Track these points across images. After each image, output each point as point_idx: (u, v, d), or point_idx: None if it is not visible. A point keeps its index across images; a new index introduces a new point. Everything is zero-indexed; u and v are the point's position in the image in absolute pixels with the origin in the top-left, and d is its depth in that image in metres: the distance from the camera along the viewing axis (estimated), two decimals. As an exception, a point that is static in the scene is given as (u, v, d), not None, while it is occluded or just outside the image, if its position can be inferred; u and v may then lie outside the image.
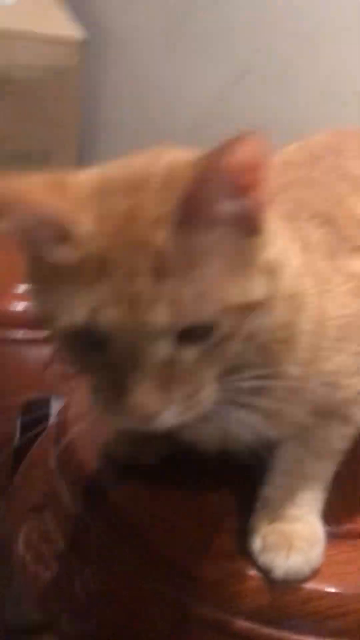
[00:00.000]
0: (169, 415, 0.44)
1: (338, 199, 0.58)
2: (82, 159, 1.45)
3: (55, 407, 0.86)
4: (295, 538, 0.53)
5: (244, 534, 0.55)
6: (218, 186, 0.42)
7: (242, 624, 0.52)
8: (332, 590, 0.53)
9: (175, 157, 0.46)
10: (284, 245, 0.49)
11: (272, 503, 0.55)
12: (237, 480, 0.60)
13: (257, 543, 0.54)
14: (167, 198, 0.42)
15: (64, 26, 1.34)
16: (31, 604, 0.62)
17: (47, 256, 0.44)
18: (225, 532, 0.56)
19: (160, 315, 0.41)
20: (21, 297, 0.93)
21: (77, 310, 0.42)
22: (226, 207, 0.43)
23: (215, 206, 0.43)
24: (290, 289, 0.49)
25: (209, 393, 0.45)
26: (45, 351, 0.92)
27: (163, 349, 0.43)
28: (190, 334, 0.43)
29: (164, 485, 0.60)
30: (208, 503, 0.59)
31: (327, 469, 0.57)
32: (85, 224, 0.42)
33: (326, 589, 0.53)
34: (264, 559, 0.53)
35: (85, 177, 0.46)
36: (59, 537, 0.62)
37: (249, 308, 0.44)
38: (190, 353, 0.43)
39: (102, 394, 0.45)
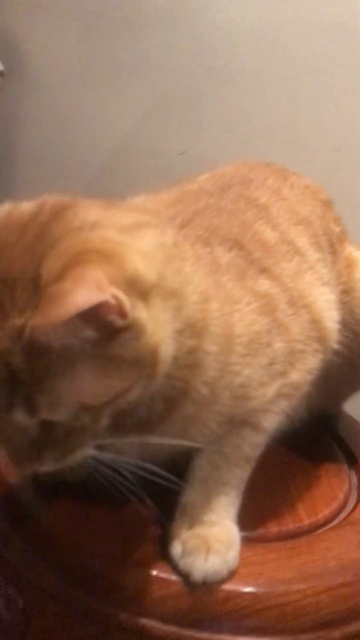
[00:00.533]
0: (43, 469, 0.50)
1: (246, 225, 0.62)
2: (-1, 189, 1.46)
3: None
4: (212, 541, 0.56)
5: (164, 541, 0.58)
6: (65, 332, 0.43)
7: (164, 628, 0.54)
8: (249, 589, 0.56)
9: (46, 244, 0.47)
10: (182, 283, 0.52)
11: (191, 509, 0.58)
12: (159, 492, 0.62)
13: (177, 548, 0.56)
14: (18, 293, 0.45)
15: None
16: None
17: None
18: (148, 541, 0.58)
19: (18, 417, 0.47)
20: None
21: None
22: (78, 338, 0.45)
23: (66, 340, 0.44)
24: (191, 318, 0.52)
25: (80, 453, 0.51)
26: None
27: (27, 434, 0.48)
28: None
29: (87, 499, 0.61)
30: (131, 514, 0.61)
31: (241, 475, 0.60)
32: None
33: (243, 588, 0.56)
34: (184, 562, 0.55)
35: None
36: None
37: (113, 400, 0.48)
38: (53, 432, 0.49)
39: None
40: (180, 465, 0.59)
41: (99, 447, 0.57)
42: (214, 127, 1.21)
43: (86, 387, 0.46)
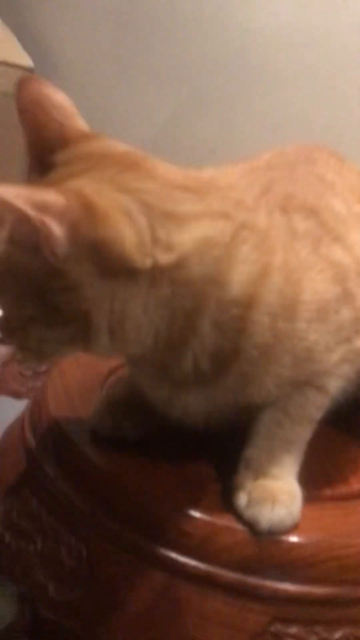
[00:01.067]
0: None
1: (319, 195, 0.64)
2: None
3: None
4: (278, 493, 0.58)
5: (227, 494, 0.59)
6: None
7: (230, 575, 0.56)
8: (311, 540, 0.57)
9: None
10: (224, 269, 0.54)
11: (255, 463, 0.60)
12: (214, 449, 0.64)
13: (242, 499, 0.58)
14: None
15: (15, 53, 1.40)
16: (15, 578, 0.62)
17: None
18: (211, 493, 0.60)
19: None
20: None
21: None
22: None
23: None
24: (235, 296, 0.54)
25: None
26: (3, 351, 0.93)
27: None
28: None
29: (148, 455, 0.63)
30: (191, 469, 0.62)
31: (303, 434, 0.62)
32: None
33: (305, 539, 0.57)
34: (250, 512, 0.57)
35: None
36: (43, 511, 0.63)
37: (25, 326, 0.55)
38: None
39: None
40: (243, 421, 0.61)
41: (169, 402, 0.60)
42: (245, 126, 1.25)
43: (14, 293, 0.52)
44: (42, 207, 0.47)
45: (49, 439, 0.66)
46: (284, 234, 0.58)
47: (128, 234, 0.51)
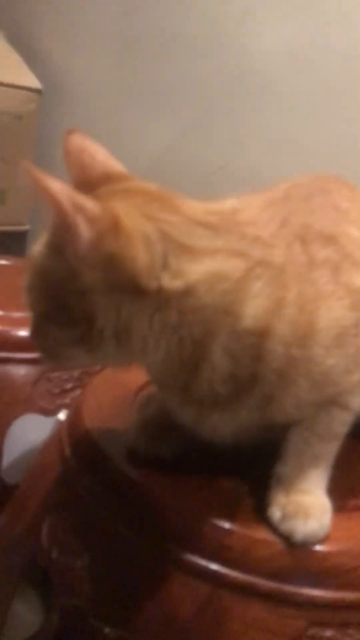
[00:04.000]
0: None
1: (337, 222, 0.67)
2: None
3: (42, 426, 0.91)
4: (310, 507, 0.62)
5: (260, 508, 0.63)
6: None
7: (269, 584, 0.60)
8: (344, 548, 0.61)
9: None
10: (236, 303, 0.57)
11: (286, 479, 0.64)
12: (245, 466, 0.68)
13: (277, 513, 0.62)
14: None
15: (23, 76, 1.43)
16: (64, 593, 0.66)
17: None
18: (245, 507, 0.64)
19: None
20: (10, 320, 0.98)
21: None
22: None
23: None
24: (248, 327, 0.57)
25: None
26: (33, 371, 0.97)
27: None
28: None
29: (183, 471, 0.67)
30: (225, 484, 0.66)
31: (330, 449, 0.66)
32: None
33: (338, 548, 0.61)
34: (285, 526, 0.61)
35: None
36: (87, 527, 0.67)
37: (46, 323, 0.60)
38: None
39: None
40: (272, 438, 0.65)
41: (196, 422, 0.64)
42: (252, 142, 1.29)
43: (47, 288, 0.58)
44: (79, 208, 0.53)
45: (86, 455, 0.70)
46: (301, 266, 0.61)
47: (142, 256, 0.55)
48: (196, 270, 0.56)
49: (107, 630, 0.63)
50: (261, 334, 0.58)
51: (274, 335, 0.58)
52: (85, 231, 0.53)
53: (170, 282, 0.56)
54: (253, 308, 0.57)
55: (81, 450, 0.71)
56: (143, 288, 0.55)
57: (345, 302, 0.61)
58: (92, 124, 1.56)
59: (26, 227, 1.58)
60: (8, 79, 1.38)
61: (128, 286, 0.56)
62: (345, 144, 1.20)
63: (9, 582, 0.76)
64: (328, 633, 0.60)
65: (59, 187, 0.52)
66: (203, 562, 0.61)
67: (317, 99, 1.23)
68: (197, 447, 0.68)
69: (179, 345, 0.58)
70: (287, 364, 0.59)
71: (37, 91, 1.44)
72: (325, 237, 0.64)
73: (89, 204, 0.54)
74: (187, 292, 0.56)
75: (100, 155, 0.63)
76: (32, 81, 1.45)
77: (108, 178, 0.61)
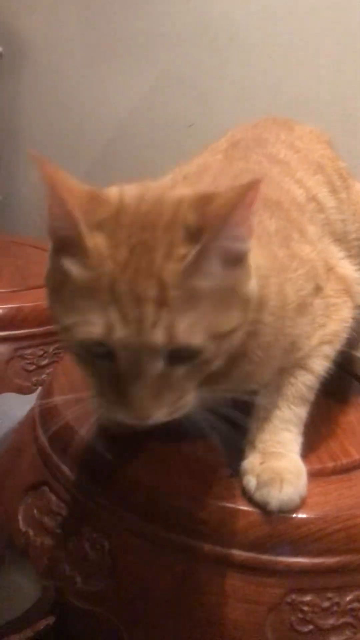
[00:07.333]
0: (159, 415, 0.53)
1: (276, 183, 0.67)
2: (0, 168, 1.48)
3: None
4: (284, 472, 0.61)
5: (235, 478, 0.63)
6: (228, 235, 0.50)
7: (245, 555, 0.60)
8: (318, 515, 0.61)
9: (182, 196, 0.53)
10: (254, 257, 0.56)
11: (259, 445, 0.63)
12: (219, 436, 0.67)
13: (251, 482, 0.61)
14: (172, 237, 0.50)
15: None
16: (43, 572, 0.66)
17: (64, 266, 0.51)
18: (221, 479, 0.63)
19: (157, 337, 0.49)
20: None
21: (93, 327, 0.50)
22: (229, 250, 0.51)
23: (221, 253, 0.50)
24: (256, 293, 0.56)
25: (190, 399, 0.54)
26: (4, 349, 0.95)
27: (158, 365, 0.51)
28: (180, 355, 0.51)
29: (155, 450, 0.66)
30: (199, 457, 0.66)
31: (299, 414, 0.66)
32: (100, 246, 0.50)
33: (313, 515, 0.61)
34: (260, 494, 0.60)
35: (112, 198, 0.53)
36: (62, 507, 0.66)
37: (227, 335, 0.53)
38: (178, 370, 0.52)
39: (107, 396, 0.53)
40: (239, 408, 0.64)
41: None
42: (220, 99, 1.25)
43: (213, 314, 0.51)
44: None
45: (60, 436, 0.69)
46: (264, 237, 0.61)
47: None
48: None
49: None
50: (260, 306, 0.57)
51: (268, 307, 0.58)
52: None
53: None
54: (259, 277, 0.57)
55: (54, 430, 0.70)
56: None
57: (301, 273, 0.63)
58: (58, 86, 1.51)
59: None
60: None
61: None
62: (314, 94, 1.16)
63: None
64: (307, 598, 0.60)
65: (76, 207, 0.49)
66: (179, 538, 0.60)
67: (286, 49, 1.18)
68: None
69: None
70: (272, 336, 0.59)
71: (-3, 55, 1.39)
72: (271, 203, 0.63)
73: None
74: None
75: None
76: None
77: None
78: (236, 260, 0.52)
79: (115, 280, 0.49)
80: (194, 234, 0.49)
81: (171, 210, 0.51)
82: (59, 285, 0.52)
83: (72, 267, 0.50)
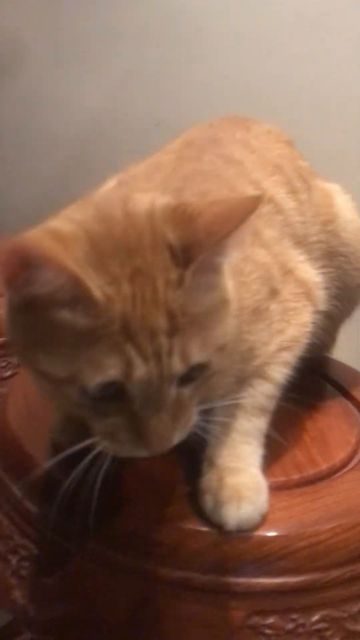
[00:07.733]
0: (176, 440, 0.53)
1: (231, 185, 0.65)
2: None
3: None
4: (242, 489, 0.58)
5: (194, 497, 0.60)
6: (218, 252, 0.50)
7: (204, 578, 0.57)
8: (281, 533, 0.58)
9: (149, 208, 0.51)
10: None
11: (217, 460, 0.60)
12: (180, 453, 0.64)
13: (209, 501, 0.58)
14: (162, 260, 0.49)
15: None
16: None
17: (59, 319, 0.48)
18: (179, 498, 0.60)
19: (176, 365, 0.49)
20: None
21: (109, 369, 0.48)
22: (218, 262, 0.51)
23: (211, 267, 0.51)
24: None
25: (194, 416, 0.54)
26: None
27: (173, 391, 0.51)
28: (189, 375, 0.51)
29: (111, 466, 0.63)
30: (157, 475, 0.63)
31: (259, 425, 0.63)
32: (100, 289, 0.47)
33: (275, 533, 0.58)
34: (218, 514, 0.57)
35: (70, 232, 0.50)
36: (15, 532, 0.63)
37: (226, 344, 0.53)
38: (186, 390, 0.52)
39: (120, 436, 0.52)
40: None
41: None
42: (188, 97, 1.22)
43: (215, 327, 0.52)
44: None
45: (12, 458, 0.66)
46: None
47: None
48: None
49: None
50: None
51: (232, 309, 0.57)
52: None
53: None
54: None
55: (7, 452, 0.67)
56: None
57: (255, 276, 0.61)
58: (21, 88, 1.48)
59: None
60: None
61: None
62: (281, 90, 1.13)
63: None
64: (270, 620, 0.57)
65: None
66: (135, 562, 0.58)
67: (256, 47, 1.15)
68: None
69: None
70: (235, 342, 0.58)
71: None
72: None
73: None
74: None
75: None
76: None
77: None
78: (219, 267, 0.52)
79: (128, 318, 0.48)
80: (181, 254, 0.49)
81: (148, 229, 0.50)
82: (42, 338, 0.50)
83: (76, 318, 0.48)
